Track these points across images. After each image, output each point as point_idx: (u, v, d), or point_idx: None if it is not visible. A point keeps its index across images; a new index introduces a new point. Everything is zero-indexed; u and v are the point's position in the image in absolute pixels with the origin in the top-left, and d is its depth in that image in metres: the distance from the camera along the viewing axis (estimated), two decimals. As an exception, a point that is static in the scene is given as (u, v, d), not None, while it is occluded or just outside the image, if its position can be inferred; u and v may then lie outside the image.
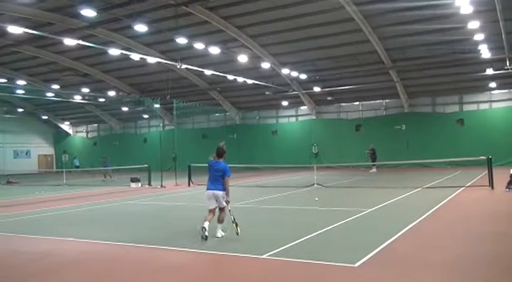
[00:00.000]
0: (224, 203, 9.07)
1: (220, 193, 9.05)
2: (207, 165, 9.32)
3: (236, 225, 8.92)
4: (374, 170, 29.53)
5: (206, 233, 8.66)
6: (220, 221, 9.13)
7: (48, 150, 52.68)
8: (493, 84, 30.84)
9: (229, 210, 9.10)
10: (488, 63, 27.30)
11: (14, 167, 42.35)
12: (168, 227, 10.97)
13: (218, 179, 9.09)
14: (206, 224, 8.75)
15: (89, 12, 20.08)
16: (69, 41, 21.35)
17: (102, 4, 21.69)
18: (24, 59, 33.40)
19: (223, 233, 9.05)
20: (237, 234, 8.85)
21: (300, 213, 12.63)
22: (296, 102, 38.10)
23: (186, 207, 14.87)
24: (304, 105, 37.94)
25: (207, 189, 9.19)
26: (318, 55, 30.01)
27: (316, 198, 15.06)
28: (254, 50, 29.00)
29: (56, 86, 35.93)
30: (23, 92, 36.95)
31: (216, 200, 9.09)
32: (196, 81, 36.03)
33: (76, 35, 23.90)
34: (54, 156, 52.90)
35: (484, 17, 21.31)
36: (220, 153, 9.29)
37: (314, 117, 38.14)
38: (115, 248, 8.68)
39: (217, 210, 9.16)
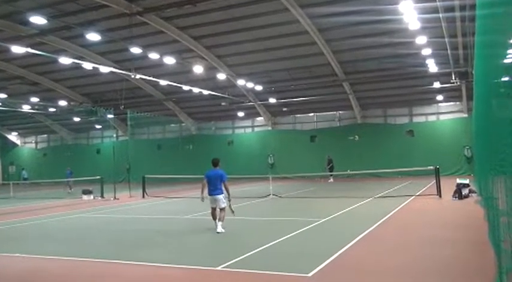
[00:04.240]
0: (223, 205, 10.79)
1: (219, 197, 10.86)
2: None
3: (232, 211, 11.02)
4: (331, 179, 30.05)
5: (218, 230, 10.59)
6: (221, 219, 10.80)
7: (-6, 161, 50.29)
8: (440, 97, 32.18)
9: (230, 205, 10.95)
10: (436, 77, 28.47)
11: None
12: (120, 240, 10.69)
13: (217, 185, 10.90)
14: (219, 227, 10.67)
15: (39, 20, 19.48)
16: (18, 49, 20.55)
17: (54, 11, 21.12)
18: (-32, 67, 31.91)
19: (222, 230, 10.58)
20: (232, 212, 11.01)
21: (255, 224, 12.65)
22: (252, 113, 38.30)
23: (140, 219, 14.55)
24: (260, 116, 38.20)
25: (209, 194, 10.96)
26: (274, 67, 30.35)
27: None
28: (210, 61, 29.00)
29: (2, 95, 34.46)
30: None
31: (217, 202, 10.82)
32: (152, 91, 35.57)
33: (25, 42, 23.08)
34: (0, 168, 50.56)
35: (430, 32, 22.26)
36: (215, 163, 11.28)
37: (270, 128, 38.45)
38: (64, 263, 8.37)
39: (218, 210, 10.81)
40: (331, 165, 30.95)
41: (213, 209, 10.97)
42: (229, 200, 11.00)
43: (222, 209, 10.89)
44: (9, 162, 49.79)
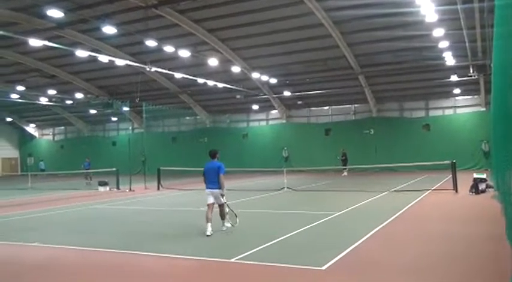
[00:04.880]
0: (222, 200, 9.97)
1: (216, 191, 9.93)
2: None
3: (235, 215, 10.10)
4: (345, 173, 29.94)
5: (208, 233, 9.45)
6: (222, 217, 10.12)
7: (13, 153, 51.17)
8: (457, 91, 31.76)
9: (226, 203, 10.04)
10: (453, 70, 28.09)
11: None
12: (136, 231, 10.81)
13: (214, 178, 9.92)
14: (209, 228, 9.52)
15: (56, 13, 19.63)
16: (35, 42, 20.79)
17: (70, 5, 21.28)
18: (-13, 59, 32.42)
19: (228, 225, 10.07)
20: (234, 225, 10.02)
21: (269, 217, 12.67)
22: (266, 106, 38.26)
23: (154, 211, 14.69)
24: (275, 109, 38.15)
25: (206, 188, 10.08)
26: (289, 60, 30.24)
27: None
28: (225, 54, 29.00)
29: (21, 88, 34.96)
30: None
31: (214, 198, 9.95)
32: (167, 84, 35.74)
33: (43, 35, 23.30)
34: (19, 159, 51.41)
35: (448, 25, 21.94)
36: (213, 154, 10.23)
37: (284, 121, 38.38)
38: (79, 252, 8.50)
39: (216, 206, 10.02)
40: (344, 158, 30.81)
41: (210, 207, 9.92)
42: (223, 196, 9.99)
43: (221, 206, 10.09)
44: (28, 154, 50.59)
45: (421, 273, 6.57)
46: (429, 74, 29.96)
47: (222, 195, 9.96)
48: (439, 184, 20.16)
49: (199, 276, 6.88)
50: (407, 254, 7.72)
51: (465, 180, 17.49)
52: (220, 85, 30.76)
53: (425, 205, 14.01)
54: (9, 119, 48.64)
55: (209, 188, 10.02)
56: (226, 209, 10.12)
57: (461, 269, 6.71)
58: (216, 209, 10.04)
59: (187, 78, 28.93)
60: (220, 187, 9.89)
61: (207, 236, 9.36)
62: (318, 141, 35.86)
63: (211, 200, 9.96)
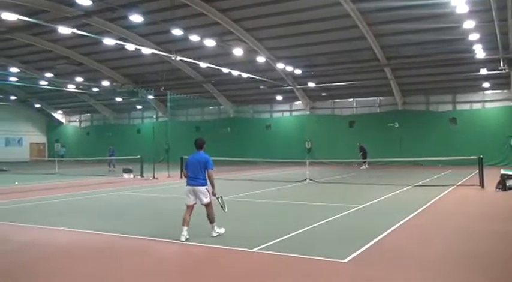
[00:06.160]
0: (205, 199, 8.26)
1: (201, 188, 8.23)
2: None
3: (222, 206, 8.81)
4: (364, 166, 29.65)
5: (183, 239, 8.04)
6: (211, 220, 8.41)
7: (41, 138, 52.38)
8: (486, 84, 31.02)
9: (220, 198, 8.77)
10: (482, 63, 27.40)
11: (5, 155, 42.09)
12: (161, 218, 10.98)
13: (198, 173, 8.25)
14: (185, 232, 8.08)
15: (84, 1, 19.86)
16: (64, 30, 21.07)
17: (98, -7, 21.50)
18: (18, 47, 33.11)
19: (219, 231, 8.44)
20: (222, 207, 8.83)
21: (291, 208, 12.68)
22: (290, 97, 38.11)
23: (178, 199, 14.79)
24: (299, 100, 37.96)
25: (186, 184, 8.44)
26: (314, 50, 29.98)
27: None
28: (250, 44, 28.94)
29: (49, 75, 35.65)
30: (16, 79, 36.64)
31: (197, 197, 8.30)
32: (191, 73, 35.91)
33: (71, 23, 23.64)
34: (46, 144, 52.63)
35: (479, 16, 21.37)
36: (199, 144, 8.52)
37: (308, 112, 38.19)
38: (106, 238, 8.70)
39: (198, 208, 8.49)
40: (362, 152, 30.46)
41: (189, 209, 8.32)
42: (215, 195, 8.49)
43: (207, 206, 8.35)
44: (55, 140, 51.73)
45: (443, 269, 6.50)
46: (457, 67, 29.31)
47: (214, 195, 8.45)
48: (464, 179, 19.82)
49: (220, 265, 6.96)
50: (431, 249, 7.64)
51: (492, 176, 17.17)
52: (244, 75, 30.73)
53: (450, 200, 13.81)
54: (37, 106, 49.73)
55: (190, 185, 8.30)
56: (218, 200, 8.77)
57: (484, 267, 6.61)
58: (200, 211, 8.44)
59: (212, 67, 28.99)
60: (206, 184, 8.29)
61: (182, 241, 7.97)
62: (341, 134, 35.60)
63: (191, 200, 8.31)
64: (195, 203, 8.36)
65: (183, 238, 8.03)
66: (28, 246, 8.08)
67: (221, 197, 8.89)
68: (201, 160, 8.31)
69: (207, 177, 8.33)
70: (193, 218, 8.37)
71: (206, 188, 8.30)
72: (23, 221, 10.48)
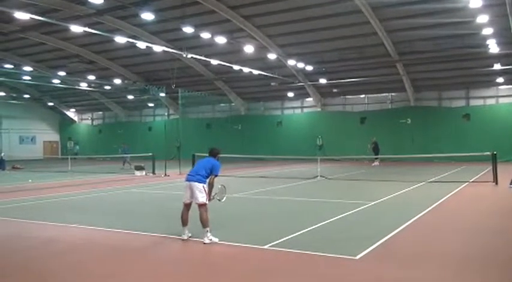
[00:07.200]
0: (201, 198, 7.84)
1: (198, 185, 7.85)
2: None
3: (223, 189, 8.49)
4: (376, 163, 29.47)
5: (185, 237, 8.03)
6: (203, 224, 7.76)
7: (54, 136, 52.90)
8: (500, 80, 30.65)
9: (216, 195, 8.31)
10: (496, 58, 27.10)
11: (19, 153, 42.57)
12: (171, 215, 10.99)
13: (201, 171, 7.96)
14: (186, 231, 8.04)
15: None
16: (76, 28, 21.29)
17: (110, -9, 21.62)
18: (31, 45, 33.47)
19: (213, 239, 7.74)
20: (221, 200, 8.42)
21: (302, 205, 12.65)
22: (301, 94, 38.01)
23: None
24: (310, 97, 37.85)
25: (185, 180, 8.14)
26: (325, 47, 29.86)
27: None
28: (260, 41, 28.92)
29: (62, 73, 35.99)
30: (29, 78, 37.02)
31: (192, 193, 7.92)
32: (202, 70, 35.99)
33: (83, 21, 23.86)
34: (59, 142, 53.15)
35: (493, 11, 21.12)
36: (213, 154, 8.27)
37: (319, 109, 38.07)
38: (119, 235, 8.75)
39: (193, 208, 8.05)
40: (375, 147, 30.09)
41: (186, 207, 8.05)
42: (211, 199, 8.10)
43: (200, 207, 7.85)
44: (68, 138, 52.23)
45: (457, 266, 6.44)
46: (470, 63, 29.01)
47: (210, 200, 8.05)
48: (478, 176, 19.62)
49: (233, 262, 6.97)
50: (444, 246, 7.57)
51: (506, 172, 16.98)
52: (255, 72, 30.72)
53: (463, 197, 13.67)
54: (50, 104, 50.21)
55: (188, 180, 7.98)
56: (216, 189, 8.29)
57: (498, 264, 6.54)
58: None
59: (223, 65, 29.04)
60: (205, 182, 7.93)
61: (183, 240, 7.94)
62: (353, 130, 35.43)
63: (187, 197, 7.99)
64: (191, 202, 8.05)
65: (184, 236, 8.01)
66: (41, 243, 8.17)
67: (223, 185, 8.56)
68: (210, 162, 8.10)
69: (207, 180, 8.04)
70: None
71: (203, 186, 7.91)
72: (39, 218, 10.59)
